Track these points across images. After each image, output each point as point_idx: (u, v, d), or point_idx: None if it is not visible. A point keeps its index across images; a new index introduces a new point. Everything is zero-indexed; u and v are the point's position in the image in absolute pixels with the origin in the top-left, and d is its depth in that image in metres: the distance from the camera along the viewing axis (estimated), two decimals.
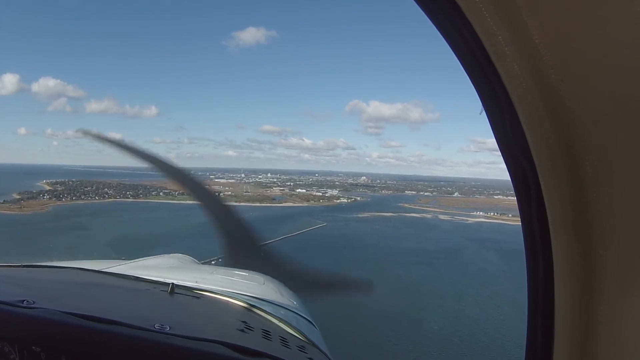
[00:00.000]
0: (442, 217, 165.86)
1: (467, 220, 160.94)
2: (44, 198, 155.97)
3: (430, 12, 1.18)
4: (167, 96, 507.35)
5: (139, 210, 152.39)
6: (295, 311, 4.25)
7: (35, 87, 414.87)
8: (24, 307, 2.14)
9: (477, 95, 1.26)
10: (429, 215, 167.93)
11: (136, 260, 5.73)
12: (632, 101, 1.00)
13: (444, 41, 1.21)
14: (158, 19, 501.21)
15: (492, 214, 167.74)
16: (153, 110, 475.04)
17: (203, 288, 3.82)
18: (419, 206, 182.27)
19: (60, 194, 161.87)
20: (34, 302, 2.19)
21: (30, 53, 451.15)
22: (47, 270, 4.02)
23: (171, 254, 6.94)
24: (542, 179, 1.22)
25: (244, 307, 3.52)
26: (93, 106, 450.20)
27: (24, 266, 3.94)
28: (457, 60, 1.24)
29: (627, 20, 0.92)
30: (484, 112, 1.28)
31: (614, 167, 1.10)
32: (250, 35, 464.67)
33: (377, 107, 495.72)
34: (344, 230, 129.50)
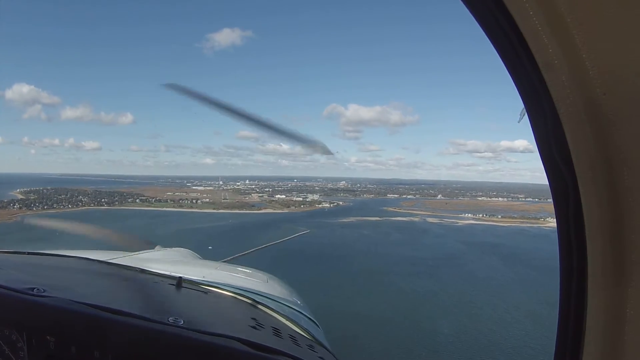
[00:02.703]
0: (430, 220, 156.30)
1: (457, 223, 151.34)
2: (13, 207, 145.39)
3: (482, 20, 1.20)
4: (142, 103, 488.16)
5: (111, 218, 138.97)
6: (300, 310, 4.16)
7: (9, 93, 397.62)
8: (35, 295, 2.11)
9: (522, 102, 1.27)
10: (416, 219, 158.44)
11: (140, 252, 5.55)
12: None
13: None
14: (131, 25, 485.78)
15: (481, 215, 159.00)
16: (129, 117, 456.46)
17: (210, 283, 3.79)
18: (404, 209, 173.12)
19: (32, 203, 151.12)
20: (44, 290, 2.16)
21: (2, 59, 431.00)
22: (54, 259, 3.91)
23: (173, 248, 6.70)
24: (582, 186, 1.22)
25: (252, 304, 3.49)
26: (68, 113, 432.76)
27: (31, 253, 3.84)
28: (506, 70, 1.25)
29: None
30: (525, 119, 1.29)
31: None
32: (225, 36, 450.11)
33: (355, 111, 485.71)
34: (329, 237, 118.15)
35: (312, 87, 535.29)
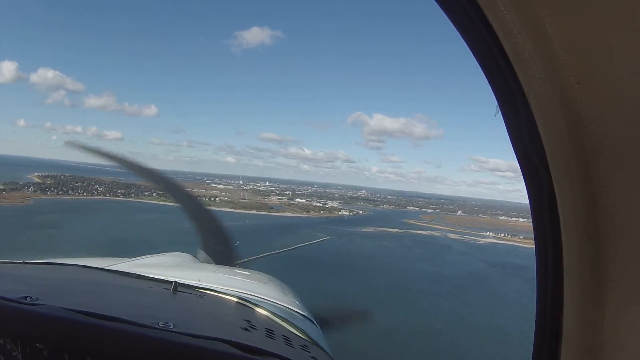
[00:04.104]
0: (451, 235, 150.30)
1: (479, 241, 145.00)
2: (28, 190, 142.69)
3: (451, 13, 1.17)
4: (167, 96, 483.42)
5: (125, 209, 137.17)
6: (298, 311, 4.17)
7: (34, 77, 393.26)
8: (27, 304, 2.11)
9: (494, 97, 1.24)
10: (437, 234, 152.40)
11: (138, 258, 5.52)
12: None
13: (463, 44, 1.21)
14: (160, 17, 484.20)
15: (502, 234, 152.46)
16: (153, 109, 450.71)
17: (206, 287, 3.82)
18: (424, 223, 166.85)
19: (47, 188, 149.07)
20: (37, 299, 2.18)
21: (30, 42, 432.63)
22: (50, 268, 3.89)
23: (173, 253, 6.63)
24: (556, 178, 1.20)
25: (246, 306, 3.51)
26: (92, 101, 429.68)
27: (26, 263, 3.79)
28: (476, 62, 1.21)
29: None
30: (499, 113, 1.25)
31: (625, 168, 1.10)
32: (254, 35, 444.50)
33: (380, 121, 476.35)
34: (349, 246, 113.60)
35: (338, 94, 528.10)
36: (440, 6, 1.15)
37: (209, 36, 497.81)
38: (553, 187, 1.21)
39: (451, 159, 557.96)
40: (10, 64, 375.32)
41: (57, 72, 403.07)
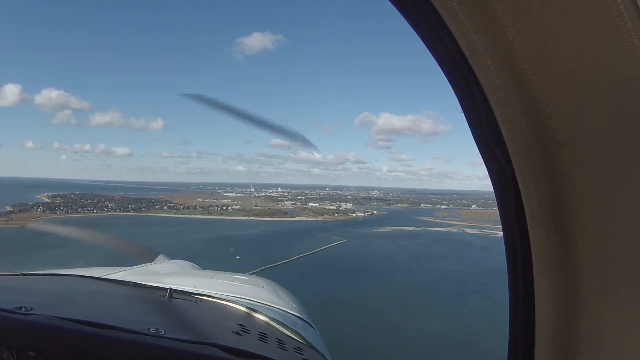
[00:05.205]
0: (468, 230, 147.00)
1: (498, 234, 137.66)
2: (37, 211, 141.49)
3: (404, 10, 1.15)
4: (173, 108, 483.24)
5: (135, 224, 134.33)
6: (295, 314, 4.04)
7: (38, 98, 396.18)
8: (22, 314, 2.13)
9: (454, 94, 1.23)
10: (454, 229, 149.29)
11: (136, 266, 5.20)
12: (605, 96, 0.99)
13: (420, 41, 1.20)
14: (160, 30, 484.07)
15: None
16: (159, 123, 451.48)
17: (201, 292, 3.74)
18: (440, 219, 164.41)
19: (56, 207, 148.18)
20: (31, 309, 2.18)
21: (31, 63, 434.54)
22: (47, 278, 3.78)
23: (172, 260, 6.32)
24: (519, 173, 1.19)
25: (241, 310, 3.44)
26: (98, 119, 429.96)
27: (24, 274, 3.67)
28: (433, 59, 1.19)
29: (600, 16, 0.92)
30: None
31: (589, 160, 1.08)
32: (256, 40, 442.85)
33: (387, 119, 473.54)
34: (366, 249, 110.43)
35: (344, 96, 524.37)
36: (393, 3, 1.14)
37: (211, 44, 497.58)
38: (517, 181, 1.20)
39: (461, 154, 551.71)
40: (13, 86, 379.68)
41: (61, 91, 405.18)
